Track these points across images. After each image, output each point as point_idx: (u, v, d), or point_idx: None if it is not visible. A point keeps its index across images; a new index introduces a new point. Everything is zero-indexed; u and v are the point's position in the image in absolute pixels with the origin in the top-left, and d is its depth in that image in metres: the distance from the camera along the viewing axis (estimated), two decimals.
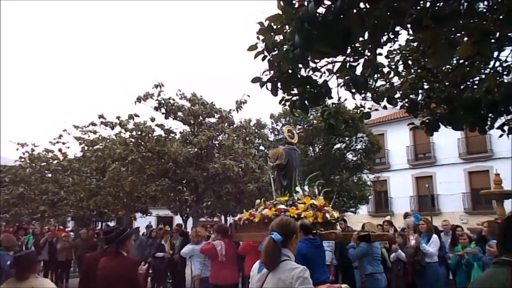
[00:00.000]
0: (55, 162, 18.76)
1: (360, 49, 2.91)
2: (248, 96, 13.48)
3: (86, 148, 16.23)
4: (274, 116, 18.40)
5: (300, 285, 2.51)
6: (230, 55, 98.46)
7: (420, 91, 4.43)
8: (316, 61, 3.04)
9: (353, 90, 3.61)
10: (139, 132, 13.10)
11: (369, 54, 3.02)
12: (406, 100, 4.40)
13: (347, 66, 3.34)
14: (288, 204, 7.18)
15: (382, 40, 2.93)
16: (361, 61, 3.44)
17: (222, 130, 13.72)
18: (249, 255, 6.60)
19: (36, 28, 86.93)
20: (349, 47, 2.74)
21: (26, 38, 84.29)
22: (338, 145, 17.32)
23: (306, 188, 7.91)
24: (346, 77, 3.50)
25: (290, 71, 3.30)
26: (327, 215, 6.99)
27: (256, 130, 15.40)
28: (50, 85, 79.88)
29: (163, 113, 13.37)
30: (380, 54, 3.22)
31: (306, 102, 3.72)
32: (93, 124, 15.51)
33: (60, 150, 19.00)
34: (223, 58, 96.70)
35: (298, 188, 7.56)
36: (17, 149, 19.16)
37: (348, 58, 3.42)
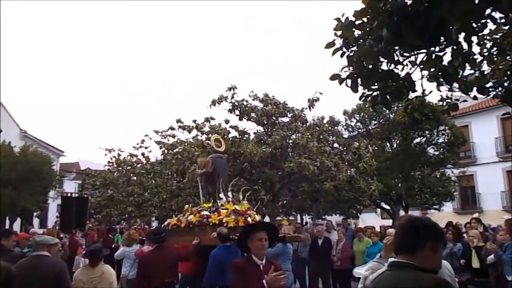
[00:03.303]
0: (139, 165, 19.97)
1: (453, 38, 2.71)
2: (321, 93, 13.26)
3: (166, 151, 17.09)
4: (348, 112, 17.92)
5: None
6: (301, 53, 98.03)
7: None
8: (404, 54, 2.89)
9: (440, 81, 3.40)
10: (215, 134, 13.48)
11: (461, 42, 2.80)
12: (500, 88, 4.04)
13: (433, 57, 3.15)
14: (211, 210, 7.77)
15: (475, 27, 2.72)
16: (448, 50, 3.22)
17: (296, 129, 13.65)
18: None
19: (110, 41, 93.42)
20: (441, 38, 2.57)
21: (111, 51, 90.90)
22: (417, 140, 16.45)
23: (229, 194, 8.52)
24: (432, 69, 3.31)
25: (370, 66, 3.19)
26: (249, 219, 7.62)
27: (330, 128, 15.10)
28: (133, 95, 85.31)
29: (237, 115, 13.64)
30: (472, 41, 2.99)
31: (388, 96, 3.58)
32: (172, 128, 16.27)
33: (143, 154, 20.16)
34: (294, 55, 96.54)
35: (221, 195, 8.20)
36: (105, 155, 20.71)
37: (432, 49, 3.22)
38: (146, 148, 20.01)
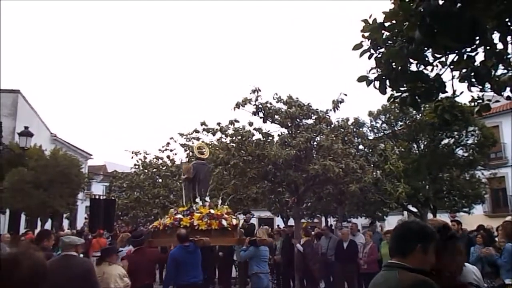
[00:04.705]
0: (164, 168, 20.24)
1: (487, 38, 2.64)
2: (345, 94, 13.11)
3: (191, 154, 17.23)
4: (373, 113, 17.65)
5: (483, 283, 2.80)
6: (325, 55, 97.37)
7: None
8: (435, 55, 2.83)
9: (472, 81, 3.31)
10: (239, 137, 13.51)
11: (496, 42, 2.72)
12: None
13: (465, 58, 3.07)
14: (185, 213, 8.10)
15: (510, 26, 2.64)
16: (479, 50, 3.14)
17: (320, 131, 13.52)
18: None
19: (142, 45, 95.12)
20: (476, 38, 2.51)
21: (137, 55, 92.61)
22: (445, 141, 16.05)
23: (207, 199, 8.94)
24: (463, 70, 3.23)
25: (399, 67, 3.14)
26: (224, 223, 7.94)
27: (355, 129, 14.90)
28: (158, 98, 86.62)
29: (261, 117, 13.60)
30: (507, 41, 2.90)
31: (417, 98, 3.51)
32: (196, 131, 16.42)
33: (168, 157, 20.42)
34: (318, 58, 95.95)
35: (198, 200, 8.60)
36: (132, 157, 21.08)
37: (463, 49, 3.14)
38: (171, 150, 20.28)
